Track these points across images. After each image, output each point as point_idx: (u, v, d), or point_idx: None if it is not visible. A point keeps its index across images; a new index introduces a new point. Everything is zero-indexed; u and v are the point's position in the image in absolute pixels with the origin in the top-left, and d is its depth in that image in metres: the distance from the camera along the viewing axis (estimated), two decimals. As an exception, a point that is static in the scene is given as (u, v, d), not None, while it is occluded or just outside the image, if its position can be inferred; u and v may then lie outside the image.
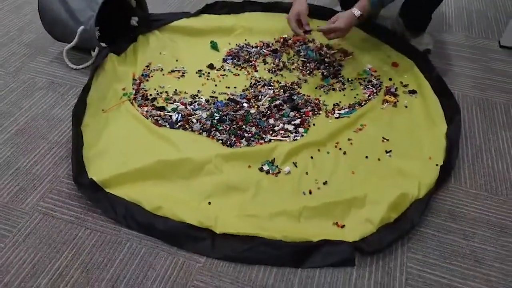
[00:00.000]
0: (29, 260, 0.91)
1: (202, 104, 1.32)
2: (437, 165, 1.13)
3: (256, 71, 1.47)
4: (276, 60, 1.51)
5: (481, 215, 1.04)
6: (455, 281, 0.91)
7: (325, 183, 1.10)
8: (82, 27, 1.34)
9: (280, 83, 1.42)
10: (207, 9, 1.70)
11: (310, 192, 1.07)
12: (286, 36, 1.61)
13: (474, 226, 1.01)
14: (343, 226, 1.00)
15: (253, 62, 1.50)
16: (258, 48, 1.57)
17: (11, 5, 1.76)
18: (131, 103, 1.30)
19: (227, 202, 1.04)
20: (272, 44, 1.59)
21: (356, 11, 1.32)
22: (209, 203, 1.04)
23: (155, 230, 0.97)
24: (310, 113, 1.30)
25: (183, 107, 1.30)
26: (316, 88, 1.40)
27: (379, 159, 1.16)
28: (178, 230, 0.97)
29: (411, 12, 1.55)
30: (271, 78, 1.44)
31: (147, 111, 1.28)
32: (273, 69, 1.47)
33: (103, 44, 1.42)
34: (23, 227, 0.97)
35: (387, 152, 1.18)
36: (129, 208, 1.00)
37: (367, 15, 1.35)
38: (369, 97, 1.37)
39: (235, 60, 1.51)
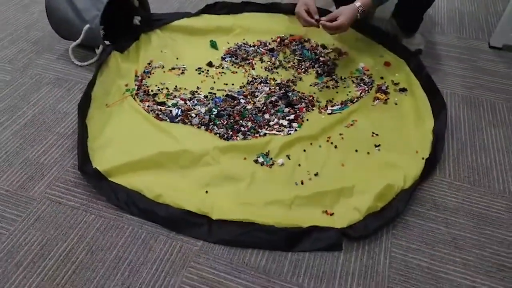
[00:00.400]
0: (37, 242, 0.98)
1: (201, 100, 1.38)
2: (423, 158, 1.19)
3: (253, 69, 1.53)
4: (273, 59, 1.57)
5: (463, 205, 1.10)
6: (435, 265, 0.97)
7: (316, 174, 1.16)
8: (87, 26, 1.40)
9: (276, 80, 1.48)
10: (207, 9, 1.76)
11: (302, 183, 1.14)
12: (282, 36, 1.67)
13: (455, 215, 1.08)
14: (332, 214, 1.06)
15: (250, 61, 1.56)
16: (256, 47, 1.63)
17: (18, 4, 1.83)
18: (134, 98, 1.36)
19: (223, 191, 1.11)
20: (269, 44, 1.65)
21: (357, 3, 1.34)
22: (206, 191, 1.10)
23: (156, 216, 1.03)
24: (304, 109, 1.36)
25: (183, 102, 1.36)
26: (310, 85, 1.46)
27: (368, 153, 1.23)
28: (177, 216, 1.03)
29: (404, 13, 1.61)
30: (267, 75, 1.50)
31: (148, 106, 1.34)
32: (269, 67, 1.54)
33: (107, 42, 1.49)
34: (32, 212, 1.04)
35: (376, 146, 1.25)
36: (130, 196, 1.07)
37: (368, 10, 1.37)
38: (361, 95, 1.43)
39: (233, 59, 1.57)
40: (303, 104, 1.38)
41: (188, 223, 1.02)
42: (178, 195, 1.07)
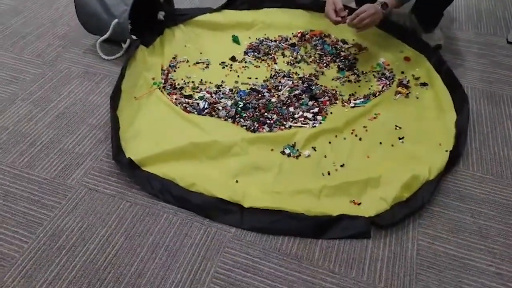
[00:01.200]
0: (77, 228, 1.02)
1: (226, 93, 1.41)
2: (446, 150, 1.22)
3: (276, 63, 1.56)
4: (294, 54, 1.60)
5: (488, 196, 1.13)
6: (461, 253, 1.00)
7: (342, 165, 1.19)
8: (116, 21, 1.44)
9: (298, 74, 1.51)
10: (229, 5, 1.79)
11: (329, 173, 1.17)
12: (303, 31, 1.70)
13: (480, 206, 1.10)
14: (359, 204, 1.09)
15: (272, 55, 1.59)
16: (277, 42, 1.66)
17: (43, -1, 1.87)
18: (161, 91, 1.40)
19: (253, 180, 1.14)
20: (290, 39, 1.68)
21: (379, 2, 1.39)
22: (237, 181, 1.14)
23: (190, 203, 1.07)
24: (328, 102, 1.39)
25: (209, 95, 1.40)
26: (332, 79, 1.49)
27: (392, 145, 1.25)
28: (211, 204, 1.07)
29: (424, 9, 1.63)
30: (289, 70, 1.53)
31: (176, 99, 1.38)
32: (291, 62, 1.57)
33: (133, 37, 1.52)
34: (70, 199, 1.08)
35: (399, 138, 1.27)
36: (164, 184, 1.11)
37: (393, 6, 1.41)
38: (383, 89, 1.45)
39: (255, 53, 1.60)
40: (326, 97, 1.41)
41: (221, 211, 1.06)
42: (210, 184, 1.11)
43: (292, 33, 1.70)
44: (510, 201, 1.12)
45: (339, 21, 1.44)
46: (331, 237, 1.02)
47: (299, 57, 1.59)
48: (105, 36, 1.49)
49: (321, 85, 1.46)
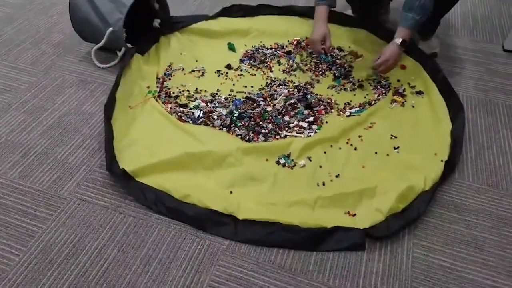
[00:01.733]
0: (69, 240, 1.01)
1: (222, 102, 1.41)
2: (442, 160, 1.21)
3: (271, 71, 1.56)
4: (290, 61, 1.60)
5: (483, 207, 1.12)
6: (456, 265, 0.99)
7: (337, 175, 1.19)
8: (111, 29, 1.43)
9: (294, 83, 1.51)
10: (224, 12, 1.79)
11: (324, 184, 1.16)
12: (299, 38, 1.70)
13: (475, 217, 1.10)
14: (354, 215, 1.08)
15: (268, 63, 1.59)
16: (273, 49, 1.66)
17: (39, 6, 1.86)
18: (156, 100, 1.39)
19: (247, 191, 1.13)
20: (286, 46, 1.68)
21: (397, 39, 1.39)
22: (231, 192, 1.13)
23: (184, 215, 1.06)
24: (323, 111, 1.39)
25: (204, 104, 1.39)
26: (328, 88, 1.49)
27: (387, 155, 1.25)
28: (204, 215, 1.06)
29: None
30: (285, 78, 1.53)
31: (171, 108, 1.37)
32: (287, 70, 1.56)
33: (129, 45, 1.52)
34: (63, 211, 1.07)
35: (395, 148, 1.27)
36: (158, 195, 1.10)
37: (410, 39, 1.42)
38: (378, 97, 1.45)
39: (251, 61, 1.60)
40: (321, 106, 1.41)
41: (215, 223, 1.05)
42: (204, 195, 1.10)
43: (288, 41, 1.70)
44: (504, 212, 1.11)
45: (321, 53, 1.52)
46: (326, 249, 1.01)
47: (295, 65, 1.58)
48: (100, 44, 1.49)
49: (317, 94, 1.46)
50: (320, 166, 1.21)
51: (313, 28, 1.51)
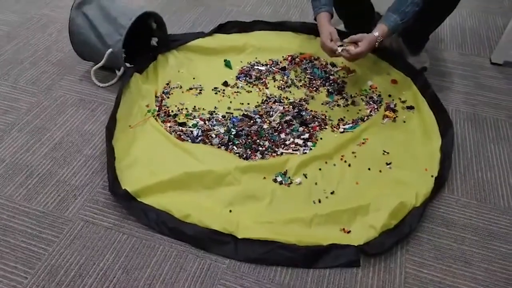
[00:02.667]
0: (75, 262, 1.04)
1: (219, 119, 1.45)
2: (432, 176, 1.26)
3: (267, 88, 1.60)
4: (285, 78, 1.65)
5: (471, 221, 1.18)
6: (447, 280, 1.04)
7: (332, 192, 1.23)
8: (110, 50, 1.47)
9: (289, 99, 1.55)
10: (220, 29, 1.83)
11: (320, 201, 1.21)
12: (293, 54, 1.75)
13: (464, 231, 1.15)
14: (349, 232, 1.13)
15: (263, 80, 1.63)
16: (268, 66, 1.70)
17: (37, 24, 1.89)
18: (155, 119, 1.43)
19: (246, 209, 1.18)
20: (280, 62, 1.72)
21: (376, 32, 1.41)
22: (230, 211, 1.17)
23: (185, 235, 1.10)
24: (318, 128, 1.44)
25: (203, 122, 1.43)
26: (322, 104, 1.54)
27: (380, 171, 1.30)
28: (205, 235, 1.10)
29: (411, 32, 1.68)
30: (280, 94, 1.57)
31: (170, 127, 1.41)
32: (282, 86, 1.61)
33: (128, 64, 1.55)
34: (68, 233, 1.10)
35: (387, 164, 1.32)
36: (160, 215, 1.14)
37: (385, 38, 1.43)
38: (371, 113, 1.50)
39: (247, 78, 1.64)
40: (316, 123, 1.45)
41: (215, 242, 1.09)
42: (205, 215, 1.14)
43: (283, 57, 1.75)
44: (492, 226, 1.17)
45: (336, 55, 1.44)
46: (322, 267, 1.06)
47: (290, 81, 1.63)
48: (100, 64, 1.52)
49: (311, 110, 1.50)
50: (316, 183, 1.26)
51: (320, 33, 1.48)
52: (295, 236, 1.10)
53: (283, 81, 1.63)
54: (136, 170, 1.26)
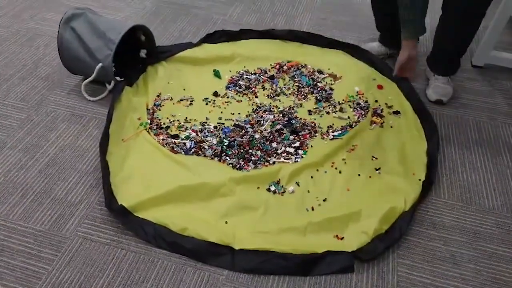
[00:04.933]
0: (75, 280, 1.06)
1: (211, 130, 1.47)
2: (419, 180, 1.31)
3: (257, 97, 1.63)
4: (274, 86, 1.68)
5: (458, 223, 1.23)
6: (437, 281, 1.09)
7: (324, 200, 1.27)
8: (100, 65, 1.48)
9: (278, 108, 1.58)
10: (207, 38, 1.85)
11: (313, 209, 1.24)
12: (280, 62, 1.78)
13: (451, 233, 1.20)
14: (342, 238, 1.17)
15: (253, 89, 1.66)
16: (257, 75, 1.73)
17: (23, 37, 1.88)
18: (148, 132, 1.44)
19: (241, 220, 1.20)
20: (269, 70, 1.75)
21: (404, 50, 1.43)
22: (226, 222, 1.20)
23: (182, 248, 1.12)
24: (308, 135, 1.47)
25: (195, 134, 1.45)
26: (310, 111, 1.57)
27: (370, 177, 1.34)
28: (203, 247, 1.12)
29: (440, 51, 1.65)
30: (270, 103, 1.60)
31: (163, 139, 1.43)
32: (271, 95, 1.64)
33: (118, 78, 1.56)
34: (66, 251, 1.11)
35: (376, 169, 1.36)
36: (157, 230, 1.16)
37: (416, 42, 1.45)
38: (358, 119, 1.54)
39: (236, 88, 1.67)
40: (306, 131, 1.49)
41: (213, 254, 1.12)
42: (201, 227, 1.16)
43: (271, 65, 1.78)
44: (478, 227, 1.22)
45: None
46: (318, 274, 1.09)
47: (278, 89, 1.66)
48: (90, 79, 1.53)
49: (301, 118, 1.54)
50: (308, 191, 1.29)
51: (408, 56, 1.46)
52: (290, 245, 1.13)
53: (272, 90, 1.66)
54: (131, 184, 1.28)
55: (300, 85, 1.69)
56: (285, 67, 1.76)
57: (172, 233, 1.15)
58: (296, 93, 1.65)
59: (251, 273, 1.09)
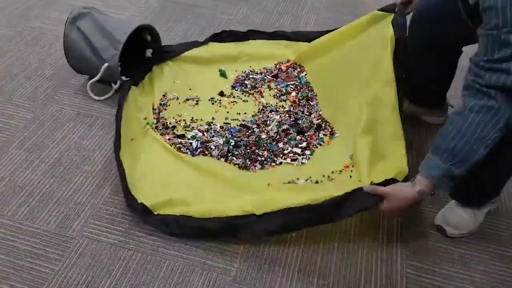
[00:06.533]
0: (82, 280, 1.05)
1: (218, 130, 1.47)
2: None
3: (263, 97, 1.62)
4: (279, 86, 1.67)
5: (467, 224, 1.21)
6: (446, 283, 1.08)
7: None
8: (106, 64, 1.47)
9: (284, 108, 1.57)
10: (214, 38, 1.84)
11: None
12: (282, 61, 1.77)
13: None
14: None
15: (259, 88, 1.65)
16: (263, 74, 1.72)
17: (27, 37, 1.88)
18: (154, 131, 1.43)
19: (257, 196, 1.19)
20: (273, 70, 1.74)
21: (416, 186, 1.01)
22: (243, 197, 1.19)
23: (209, 231, 1.13)
24: (314, 136, 1.46)
25: (201, 134, 1.45)
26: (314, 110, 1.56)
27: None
28: (229, 223, 1.12)
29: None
30: (276, 103, 1.59)
31: (169, 139, 1.42)
32: (277, 95, 1.63)
33: (124, 78, 1.56)
34: (73, 251, 1.11)
35: None
36: (180, 219, 1.16)
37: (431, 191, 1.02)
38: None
39: (242, 87, 1.66)
40: (312, 131, 1.48)
41: (240, 226, 1.12)
42: (222, 207, 1.16)
43: (274, 64, 1.77)
44: (487, 229, 1.21)
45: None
46: (345, 217, 1.08)
47: (283, 89, 1.65)
48: (95, 78, 1.53)
49: (306, 119, 1.51)
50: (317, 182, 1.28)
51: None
52: (308, 198, 1.10)
53: (277, 89, 1.65)
54: (146, 185, 1.25)
55: (298, 85, 1.67)
56: (283, 67, 1.75)
57: (196, 219, 1.15)
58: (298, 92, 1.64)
59: (279, 234, 1.12)
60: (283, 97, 1.61)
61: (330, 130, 1.46)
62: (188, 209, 1.19)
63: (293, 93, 1.62)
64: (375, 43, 1.37)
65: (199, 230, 1.14)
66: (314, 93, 1.62)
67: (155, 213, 1.18)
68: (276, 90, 1.65)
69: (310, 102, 1.58)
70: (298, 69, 1.73)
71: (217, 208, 1.16)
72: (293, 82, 1.67)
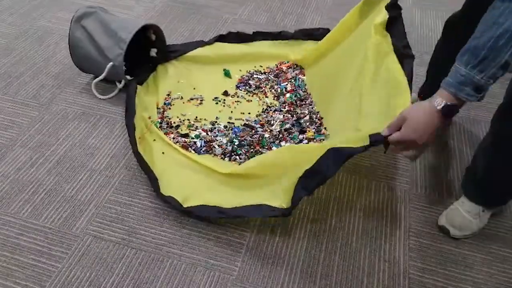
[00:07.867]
0: (85, 278, 1.06)
1: (221, 130, 1.47)
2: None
3: (266, 96, 1.62)
4: (277, 86, 1.67)
5: (470, 226, 1.21)
6: (449, 284, 1.07)
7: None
8: (111, 63, 1.48)
9: (285, 108, 1.57)
10: (220, 39, 1.83)
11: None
12: (283, 61, 1.77)
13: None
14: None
15: (263, 88, 1.66)
16: (267, 74, 1.72)
17: (33, 35, 1.89)
18: (158, 130, 1.44)
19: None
20: (275, 70, 1.74)
21: (437, 101, 0.86)
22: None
23: (244, 208, 1.15)
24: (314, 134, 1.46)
25: (205, 133, 1.45)
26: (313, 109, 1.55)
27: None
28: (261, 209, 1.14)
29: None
30: (279, 103, 1.59)
31: (173, 138, 1.42)
32: (276, 95, 1.63)
33: (128, 77, 1.56)
34: (77, 249, 1.11)
35: None
36: (216, 207, 1.17)
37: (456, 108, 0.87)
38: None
39: (246, 87, 1.66)
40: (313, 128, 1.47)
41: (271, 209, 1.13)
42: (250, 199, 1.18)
43: (276, 65, 1.77)
44: (490, 230, 1.20)
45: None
46: (355, 152, 1.00)
47: (279, 89, 1.65)
48: (100, 77, 1.53)
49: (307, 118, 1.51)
50: None
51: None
52: (308, 162, 1.08)
53: (279, 89, 1.65)
54: (168, 180, 1.26)
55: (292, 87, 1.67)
56: (283, 67, 1.75)
57: (230, 209, 1.16)
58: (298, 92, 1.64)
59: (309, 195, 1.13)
60: (281, 98, 1.61)
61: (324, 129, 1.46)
62: (214, 200, 1.20)
63: (288, 95, 1.62)
64: (361, 45, 1.32)
65: (235, 211, 1.15)
66: (308, 94, 1.62)
67: (184, 206, 1.19)
68: (278, 90, 1.65)
69: (304, 103, 1.58)
70: (298, 70, 1.73)
71: (246, 199, 1.17)
72: (287, 83, 1.67)
